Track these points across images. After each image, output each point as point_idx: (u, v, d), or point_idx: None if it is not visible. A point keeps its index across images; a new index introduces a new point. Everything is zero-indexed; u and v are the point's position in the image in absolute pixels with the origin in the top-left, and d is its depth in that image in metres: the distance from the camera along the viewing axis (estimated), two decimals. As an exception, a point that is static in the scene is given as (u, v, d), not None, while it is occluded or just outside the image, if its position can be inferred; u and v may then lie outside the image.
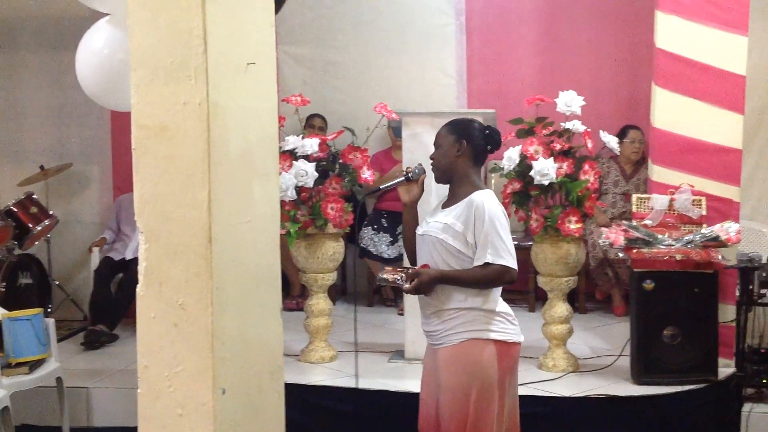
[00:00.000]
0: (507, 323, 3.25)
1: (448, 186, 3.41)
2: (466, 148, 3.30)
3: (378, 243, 6.34)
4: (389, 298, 6.66)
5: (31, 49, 7.04)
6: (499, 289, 3.26)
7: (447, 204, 3.33)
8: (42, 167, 6.62)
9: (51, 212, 6.39)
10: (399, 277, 3.16)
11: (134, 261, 6.45)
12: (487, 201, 3.18)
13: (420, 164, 3.47)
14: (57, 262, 6.72)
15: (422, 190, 3.44)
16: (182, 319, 2.23)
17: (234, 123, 2.34)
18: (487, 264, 3.12)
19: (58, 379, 4.95)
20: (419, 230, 3.35)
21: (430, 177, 3.43)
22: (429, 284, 3.14)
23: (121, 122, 6.94)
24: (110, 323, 6.17)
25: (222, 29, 2.28)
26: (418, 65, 6.91)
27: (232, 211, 2.33)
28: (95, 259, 6.52)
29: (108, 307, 6.24)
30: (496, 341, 3.20)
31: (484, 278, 3.14)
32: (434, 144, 3.39)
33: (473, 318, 3.19)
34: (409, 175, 3.41)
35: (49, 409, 5.11)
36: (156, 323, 2.25)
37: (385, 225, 6.39)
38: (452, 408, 3.18)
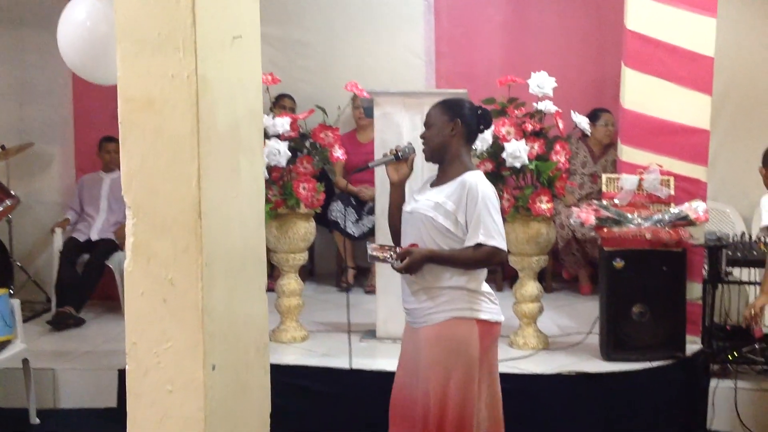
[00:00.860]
0: (489, 303, 3.26)
1: (425, 164, 3.40)
2: (460, 128, 3.29)
3: (347, 218, 6.33)
4: (347, 282, 6.53)
5: (-11, 26, 6.89)
6: (485, 270, 3.27)
7: (437, 183, 3.32)
8: (2, 147, 6.50)
9: (13, 192, 6.28)
10: (389, 255, 3.15)
11: (100, 242, 6.39)
12: (480, 182, 3.19)
13: (410, 143, 3.46)
14: (18, 242, 6.62)
15: (411, 170, 3.42)
16: (171, 294, 2.20)
17: (221, 97, 2.30)
18: (478, 245, 3.11)
19: (24, 361, 4.89)
20: (407, 207, 3.33)
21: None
22: (420, 263, 3.13)
23: (83, 102, 6.86)
24: (77, 305, 6.10)
25: (210, 1, 2.24)
26: (386, 45, 6.88)
27: (220, 186, 2.30)
28: (58, 240, 6.43)
29: (74, 288, 6.17)
30: (479, 320, 3.21)
31: (475, 259, 3.14)
32: (425, 123, 3.36)
33: (457, 297, 3.19)
34: (399, 153, 3.39)
35: (14, 391, 5.04)
36: (144, 299, 2.22)
37: (354, 203, 6.38)
38: (435, 387, 3.17)
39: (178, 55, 2.17)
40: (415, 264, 3.12)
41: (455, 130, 3.28)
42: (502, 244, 3.15)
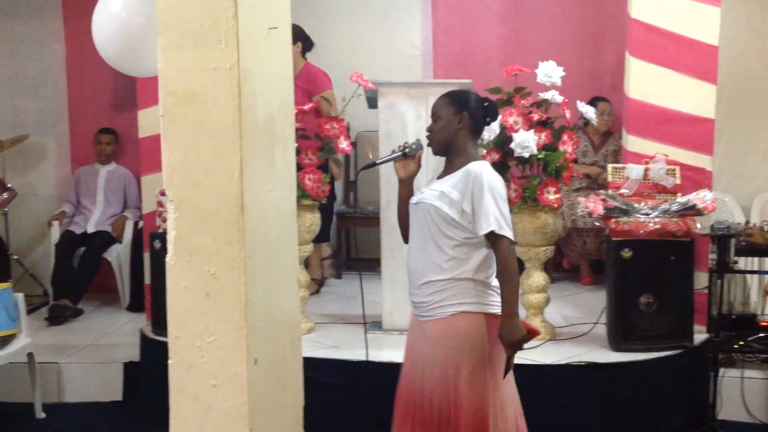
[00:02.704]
0: (495, 295, 3.18)
1: (430, 159, 3.39)
2: (467, 120, 3.25)
3: None
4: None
5: (-20, 17, 6.82)
6: (493, 261, 3.18)
7: (442, 174, 3.29)
8: (-3, 139, 6.45)
9: (9, 185, 6.22)
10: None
11: (96, 234, 6.35)
12: (484, 171, 3.14)
13: (418, 139, 3.43)
14: (15, 236, 6.56)
15: (419, 166, 3.39)
16: (214, 288, 2.18)
17: (260, 89, 2.28)
18: (493, 233, 3.06)
19: (30, 355, 4.86)
20: (413, 199, 3.30)
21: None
22: (517, 329, 3.06)
23: (77, 93, 6.82)
24: (73, 298, 6.07)
25: (250, -8, 2.22)
26: (382, 36, 6.87)
27: (259, 179, 2.28)
28: (55, 233, 6.39)
29: (71, 281, 6.14)
30: (486, 314, 3.15)
31: (511, 266, 3.08)
32: (433, 115, 3.32)
33: (464, 290, 3.14)
34: (407, 150, 3.36)
35: (19, 386, 5.02)
36: (187, 294, 2.19)
37: None
38: (445, 384, 3.13)
39: (220, 47, 2.14)
40: (518, 334, 3.06)
41: (462, 123, 3.25)
42: (511, 235, 3.11)
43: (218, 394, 2.19)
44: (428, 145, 3.34)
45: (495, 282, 3.22)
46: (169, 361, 2.22)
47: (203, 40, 2.15)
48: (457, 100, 3.30)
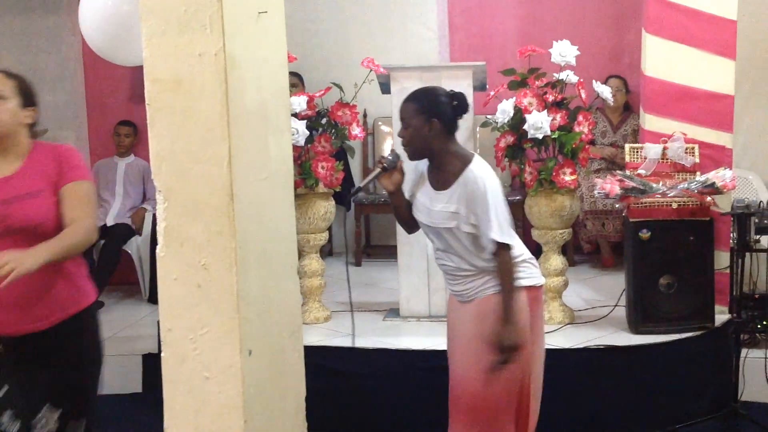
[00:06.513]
0: (531, 267, 3.25)
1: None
2: (438, 126, 3.17)
3: None
4: None
5: (-3, 12, 6.84)
6: (516, 237, 3.23)
7: (436, 182, 3.23)
8: (16, 133, 6.46)
9: (28, 179, 6.23)
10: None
11: (116, 227, 6.36)
12: (479, 176, 3.12)
13: (393, 150, 3.37)
14: (35, 230, 6.58)
15: (403, 174, 3.32)
16: (206, 279, 2.15)
17: (249, 75, 2.24)
18: (498, 243, 3.07)
19: (50, 348, 4.85)
20: (422, 218, 3.26)
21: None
22: (511, 329, 3.09)
23: (95, 86, 6.82)
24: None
25: (235, -24, 2.17)
26: (398, 20, 6.80)
27: (251, 167, 2.24)
28: (75, 226, 6.38)
29: (91, 274, 6.11)
30: (525, 287, 3.20)
31: (512, 276, 3.11)
32: (402, 120, 3.23)
33: None
34: (385, 164, 3.29)
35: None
36: (178, 285, 2.17)
37: None
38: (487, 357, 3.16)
39: (205, 33, 2.10)
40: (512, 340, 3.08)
41: (433, 131, 3.17)
42: (511, 241, 3.13)
43: (212, 386, 2.16)
44: (404, 151, 3.28)
45: (525, 256, 3.25)
46: (162, 354, 2.20)
47: (188, 25, 2.11)
48: (425, 106, 3.19)
